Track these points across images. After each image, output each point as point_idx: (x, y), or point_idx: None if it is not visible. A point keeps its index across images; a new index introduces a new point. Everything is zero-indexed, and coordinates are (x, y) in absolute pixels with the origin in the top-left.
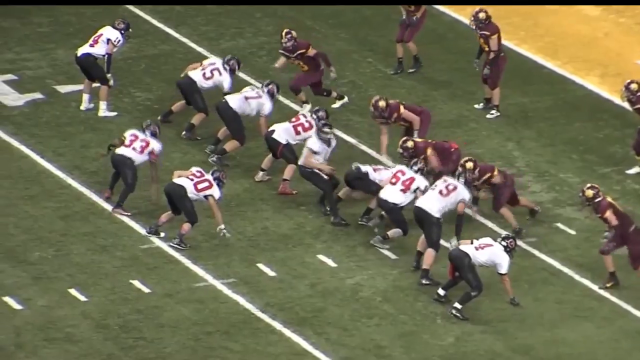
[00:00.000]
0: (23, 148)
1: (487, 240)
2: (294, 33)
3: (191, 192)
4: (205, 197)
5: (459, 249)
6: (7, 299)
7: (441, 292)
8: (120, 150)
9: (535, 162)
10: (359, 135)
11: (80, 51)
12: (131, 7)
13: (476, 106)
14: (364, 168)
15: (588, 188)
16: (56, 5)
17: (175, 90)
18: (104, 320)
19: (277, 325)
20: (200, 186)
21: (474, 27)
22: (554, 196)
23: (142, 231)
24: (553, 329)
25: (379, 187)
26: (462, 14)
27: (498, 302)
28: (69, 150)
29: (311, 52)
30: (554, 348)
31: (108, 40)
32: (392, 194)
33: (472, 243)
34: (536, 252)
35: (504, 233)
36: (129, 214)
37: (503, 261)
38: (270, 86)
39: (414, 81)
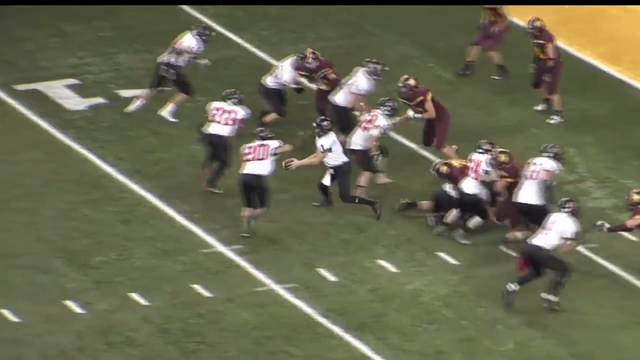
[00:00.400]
0: (85, 152)
1: (551, 217)
2: (318, 54)
3: (267, 171)
4: (274, 154)
5: (530, 243)
6: (68, 302)
7: (513, 286)
8: (211, 129)
9: (596, 168)
10: (421, 142)
11: (160, 59)
12: (193, 12)
13: (537, 108)
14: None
15: (636, 193)
16: (118, 10)
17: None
18: (165, 324)
19: (337, 330)
20: (263, 153)
21: (529, 37)
22: (615, 202)
23: (204, 236)
24: (614, 335)
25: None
26: (522, 19)
27: (560, 308)
28: (130, 155)
29: (331, 71)
30: (614, 354)
31: (186, 47)
32: (468, 185)
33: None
34: (597, 258)
35: (562, 200)
36: (222, 191)
37: (569, 226)
38: (370, 65)
39: (475, 86)
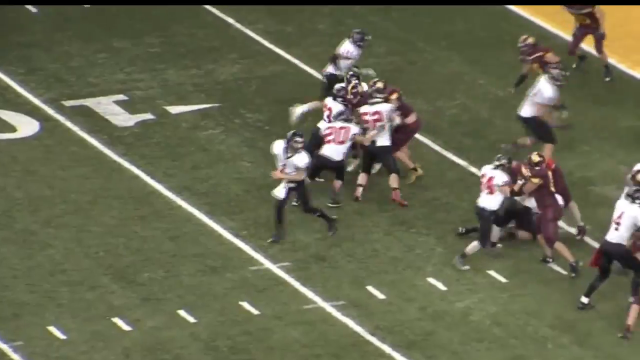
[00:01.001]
0: (133, 168)
1: (618, 209)
2: (360, 89)
3: (344, 157)
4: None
5: (608, 241)
6: (116, 319)
7: (584, 299)
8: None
9: None
10: (470, 157)
11: (325, 71)
12: (242, 28)
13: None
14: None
15: None
16: (167, 26)
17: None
18: (213, 341)
19: (386, 348)
20: (344, 136)
21: (524, 55)
22: None
23: (252, 253)
24: None
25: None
26: (568, 34)
27: (610, 327)
28: (179, 171)
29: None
30: None
31: (342, 53)
32: (484, 200)
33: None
34: None
35: (632, 189)
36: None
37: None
38: (553, 71)
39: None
